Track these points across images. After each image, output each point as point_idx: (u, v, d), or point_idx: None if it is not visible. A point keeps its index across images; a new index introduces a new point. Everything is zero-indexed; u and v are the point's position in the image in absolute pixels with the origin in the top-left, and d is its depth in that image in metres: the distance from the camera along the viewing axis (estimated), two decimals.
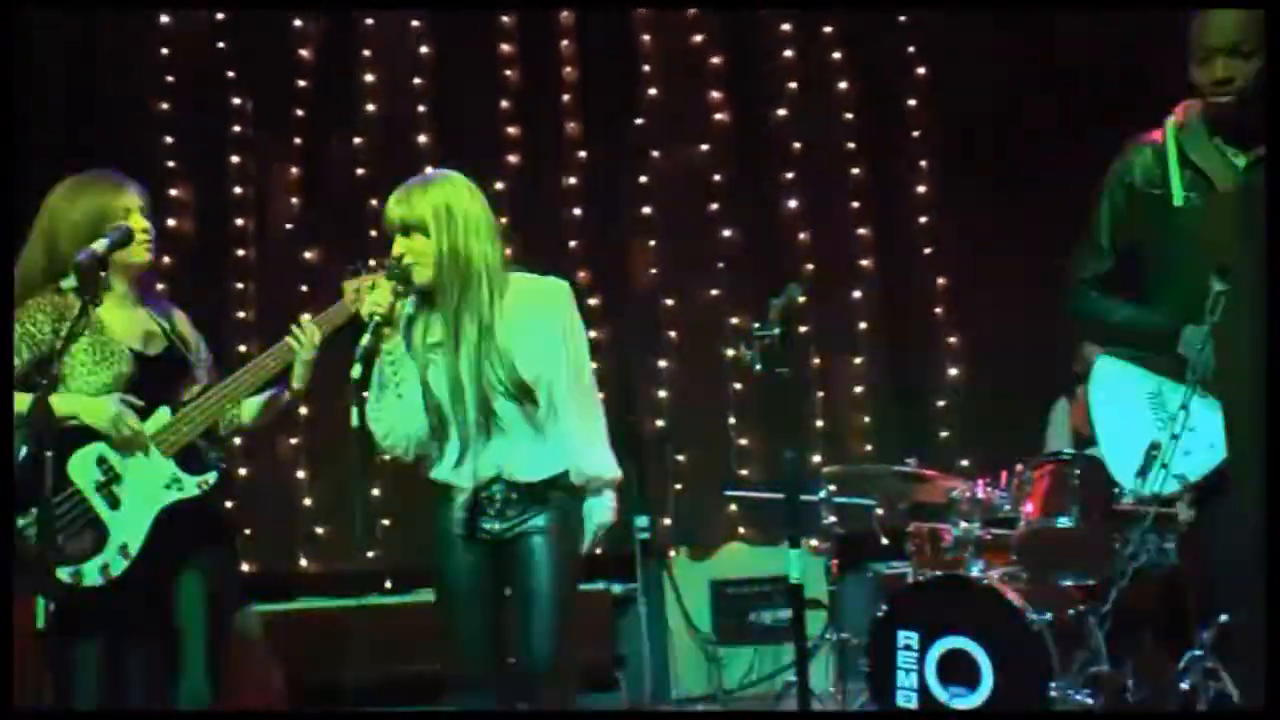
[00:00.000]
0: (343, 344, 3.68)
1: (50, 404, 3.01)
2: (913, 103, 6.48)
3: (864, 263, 6.40)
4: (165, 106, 6.25)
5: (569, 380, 3.20)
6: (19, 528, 3.11)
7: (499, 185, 6.27)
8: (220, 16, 6.29)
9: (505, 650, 3.26)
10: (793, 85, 6.45)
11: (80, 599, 3.14)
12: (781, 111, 6.44)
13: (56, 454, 2.96)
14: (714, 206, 6.36)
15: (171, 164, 6.21)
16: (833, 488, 5.01)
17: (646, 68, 6.40)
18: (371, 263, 3.43)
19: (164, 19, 6.23)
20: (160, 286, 3.53)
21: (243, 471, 6.13)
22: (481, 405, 3.16)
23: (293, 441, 6.18)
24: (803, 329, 6.12)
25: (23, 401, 3.12)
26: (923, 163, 6.44)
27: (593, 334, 4.66)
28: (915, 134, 6.46)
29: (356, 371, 3.10)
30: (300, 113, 6.31)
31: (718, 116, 6.41)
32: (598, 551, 3.38)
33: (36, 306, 3.25)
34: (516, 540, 3.21)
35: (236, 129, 6.29)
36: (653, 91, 6.41)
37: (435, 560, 3.28)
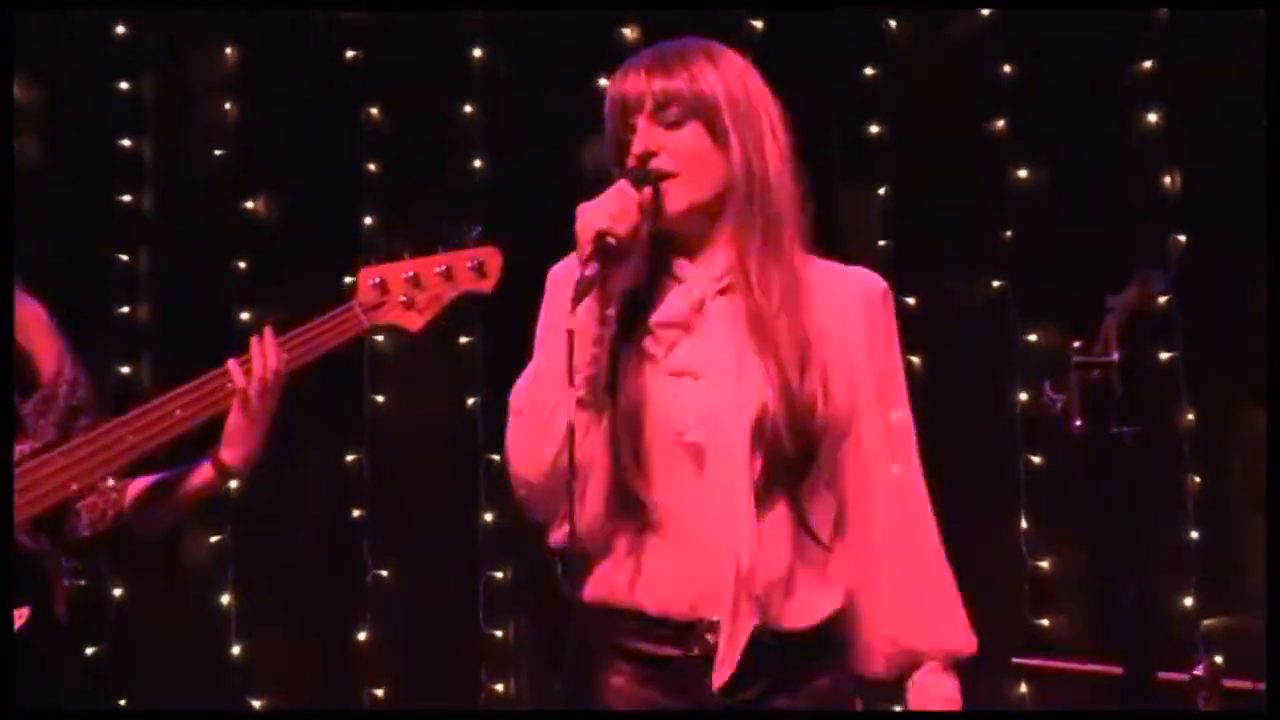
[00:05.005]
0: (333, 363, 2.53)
1: None
2: None
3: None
4: None
5: (881, 439, 2.15)
6: None
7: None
8: None
9: None
10: None
11: None
12: None
13: None
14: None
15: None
16: (1219, 659, 3.58)
17: None
18: (477, 232, 2.51)
19: None
20: None
21: (118, 593, 4.49)
22: (749, 461, 2.05)
23: (213, 540, 4.43)
24: (1164, 355, 4.26)
25: None
26: None
27: None
28: None
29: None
30: None
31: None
32: None
33: None
34: None
35: None
36: None
37: None
